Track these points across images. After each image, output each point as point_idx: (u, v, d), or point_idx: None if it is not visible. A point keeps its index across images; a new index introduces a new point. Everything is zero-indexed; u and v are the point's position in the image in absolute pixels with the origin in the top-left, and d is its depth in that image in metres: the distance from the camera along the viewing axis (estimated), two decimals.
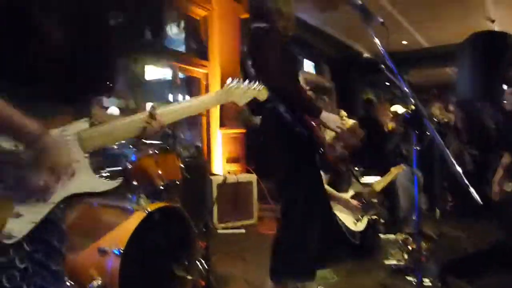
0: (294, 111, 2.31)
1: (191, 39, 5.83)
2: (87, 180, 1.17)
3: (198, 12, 5.60)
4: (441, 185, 4.59)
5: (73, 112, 1.17)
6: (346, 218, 3.46)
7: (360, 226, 3.51)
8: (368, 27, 1.88)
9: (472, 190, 1.36)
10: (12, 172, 1.05)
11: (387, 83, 1.90)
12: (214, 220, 4.64)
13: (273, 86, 2.04)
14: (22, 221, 1.07)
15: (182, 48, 5.86)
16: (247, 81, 1.60)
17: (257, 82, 1.63)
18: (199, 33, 5.70)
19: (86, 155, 1.17)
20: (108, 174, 1.26)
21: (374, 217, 3.71)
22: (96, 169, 1.21)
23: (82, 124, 1.17)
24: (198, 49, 5.68)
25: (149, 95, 6.16)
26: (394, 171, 4.01)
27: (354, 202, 3.53)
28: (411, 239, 3.42)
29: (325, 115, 2.30)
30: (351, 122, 3.57)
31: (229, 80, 1.54)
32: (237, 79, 1.57)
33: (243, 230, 4.69)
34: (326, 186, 3.42)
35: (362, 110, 5.62)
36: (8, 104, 1.01)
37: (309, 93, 3.27)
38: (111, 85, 1.39)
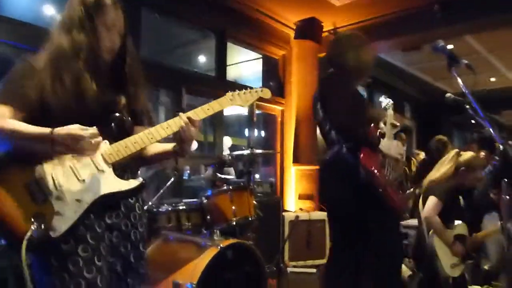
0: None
1: (268, 77, 6.00)
2: (113, 183, 1.45)
3: (277, 52, 5.78)
4: None
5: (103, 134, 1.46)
6: (444, 258, 3.12)
7: (455, 272, 3.17)
8: (453, 70, 1.83)
9: None
10: None
11: (473, 121, 1.80)
12: (285, 258, 4.58)
13: (340, 127, 2.26)
14: (64, 219, 1.34)
15: (259, 86, 6.04)
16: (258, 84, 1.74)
17: (259, 87, 1.80)
18: (277, 71, 5.86)
19: (110, 165, 1.46)
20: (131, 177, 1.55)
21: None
22: (120, 176, 1.49)
23: (104, 145, 1.46)
24: (275, 87, 5.82)
25: (227, 130, 6.40)
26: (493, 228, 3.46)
27: (459, 246, 3.16)
28: None
29: (384, 143, 2.28)
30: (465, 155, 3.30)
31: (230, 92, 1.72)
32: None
33: (314, 270, 4.57)
34: (436, 217, 3.12)
35: (435, 151, 5.24)
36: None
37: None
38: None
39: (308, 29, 5.30)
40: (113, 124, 1.53)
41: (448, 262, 3.13)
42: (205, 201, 2.85)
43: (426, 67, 7.57)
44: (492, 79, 8.31)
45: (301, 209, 5.16)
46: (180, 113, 1.54)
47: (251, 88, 1.76)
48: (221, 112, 5.48)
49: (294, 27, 5.49)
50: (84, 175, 1.40)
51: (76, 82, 1.41)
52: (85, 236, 1.40)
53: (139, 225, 1.59)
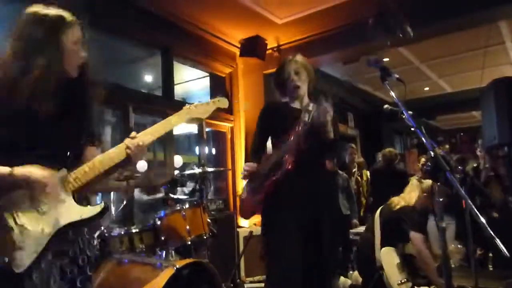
0: None
1: (216, 94, 6.04)
2: (74, 212, 1.44)
3: (223, 70, 5.85)
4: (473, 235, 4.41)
5: (56, 164, 1.46)
6: (392, 275, 3.21)
7: None
8: (385, 83, 1.96)
9: (498, 242, 1.33)
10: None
11: (412, 129, 1.93)
12: (242, 274, 4.59)
13: None
14: (26, 252, 1.33)
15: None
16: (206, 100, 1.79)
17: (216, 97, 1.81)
18: (224, 88, 5.92)
19: (69, 194, 1.45)
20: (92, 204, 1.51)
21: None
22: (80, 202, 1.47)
23: (62, 173, 1.45)
24: None
25: (177, 148, 6.33)
26: None
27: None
28: None
29: None
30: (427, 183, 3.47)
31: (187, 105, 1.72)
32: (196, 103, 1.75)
33: None
34: (427, 251, 3.22)
35: (382, 162, 5.56)
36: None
37: None
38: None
39: (253, 47, 5.42)
40: (68, 152, 1.50)
41: (396, 279, 3.20)
42: (158, 222, 2.82)
43: (366, 78, 7.94)
44: (426, 88, 8.87)
45: (255, 224, 5.20)
46: (131, 137, 1.56)
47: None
48: (171, 129, 5.43)
49: (239, 45, 5.60)
50: (44, 206, 1.40)
51: (32, 101, 1.38)
52: (40, 264, 1.38)
53: (88, 249, 1.58)
